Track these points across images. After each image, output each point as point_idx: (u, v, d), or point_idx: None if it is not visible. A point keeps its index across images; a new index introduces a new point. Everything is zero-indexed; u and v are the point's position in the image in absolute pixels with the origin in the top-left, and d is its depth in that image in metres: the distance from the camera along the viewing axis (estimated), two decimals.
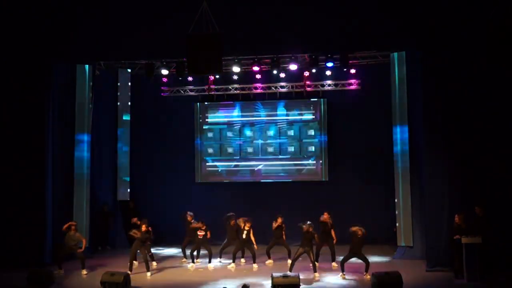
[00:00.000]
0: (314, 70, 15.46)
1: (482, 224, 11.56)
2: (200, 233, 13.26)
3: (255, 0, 13.33)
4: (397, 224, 14.42)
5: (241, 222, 13.42)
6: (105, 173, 16.47)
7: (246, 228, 13.28)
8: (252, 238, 13.40)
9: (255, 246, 13.33)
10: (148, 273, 12.47)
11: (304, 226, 12.10)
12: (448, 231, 11.96)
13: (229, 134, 17.60)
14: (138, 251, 12.60)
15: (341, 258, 12.23)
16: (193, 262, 13.45)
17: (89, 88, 15.28)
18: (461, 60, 12.45)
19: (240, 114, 17.58)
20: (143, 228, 12.61)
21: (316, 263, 12.38)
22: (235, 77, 16.26)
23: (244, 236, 13.30)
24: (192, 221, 13.80)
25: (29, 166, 13.61)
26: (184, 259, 13.99)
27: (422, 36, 12.74)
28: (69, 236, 12.60)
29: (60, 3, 13.85)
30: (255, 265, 13.19)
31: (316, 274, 11.97)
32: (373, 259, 12.88)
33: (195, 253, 13.47)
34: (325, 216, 13.06)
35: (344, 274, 11.93)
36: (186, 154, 17.69)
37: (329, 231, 13.09)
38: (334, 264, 12.99)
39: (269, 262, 13.69)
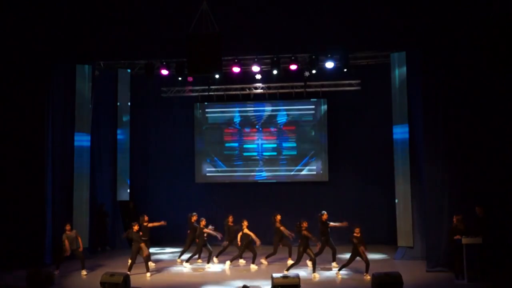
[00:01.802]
0: (314, 70, 15.45)
1: (482, 224, 11.55)
2: (205, 235, 13.31)
3: (255, 0, 13.33)
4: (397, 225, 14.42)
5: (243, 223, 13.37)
6: (105, 173, 16.46)
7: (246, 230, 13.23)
8: (252, 235, 13.20)
9: (257, 241, 13.11)
10: (148, 274, 12.46)
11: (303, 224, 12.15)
12: (448, 231, 11.95)
13: (229, 134, 17.59)
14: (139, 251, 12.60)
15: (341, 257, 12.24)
16: (187, 261, 13.51)
17: (89, 88, 15.27)
18: (461, 60, 12.45)
19: (240, 114, 17.57)
20: (135, 228, 12.62)
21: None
22: (235, 77, 16.24)
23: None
24: (195, 221, 13.80)
25: (29, 166, 13.63)
26: (188, 261, 13.86)
27: (422, 36, 12.74)
28: (66, 236, 12.57)
29: (60, 3, 13.85)
30: (254, 266, 13.18)
31: (316, 275, 11.96)
32: (373, 259, 12.87)
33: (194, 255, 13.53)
34: (324, 216, 13.02)
35: (339, 272, 11.97)
36: (186, 154, 17.68)
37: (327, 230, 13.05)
38: (334, 264, 12.97)
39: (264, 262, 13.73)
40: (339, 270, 12.15)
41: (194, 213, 13.95)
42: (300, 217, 12.56)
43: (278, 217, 13.43)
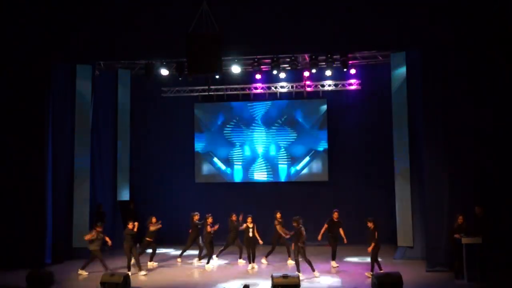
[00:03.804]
0: (314, 70, 15.47)
1: (482, 224, 11.55)
2: (212, 232, 13.34)
3: (255, 0, 13.34)
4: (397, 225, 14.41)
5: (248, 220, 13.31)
6: (105, 174, 16.44)
7: (250, 225, 13.17)
8: (257, 235, 13.24)
9: (260, 241, 13.20)
10: (142, 272, 12.43)
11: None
12: (448, 231, 11.96)
13: (229, 134, 17.58)
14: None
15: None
16: (199, 260, 13.63)
17: (89, 88, 15.25)
18: (461, 60, 12.45)
19: (240, 114, 17.56)
20: (129, 226, 12.70)
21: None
22: (235, 77, 16.26)
23: (250, 234, 13.15)
24: (197, 221, 13.84)
25: (29, 166, 13.63)
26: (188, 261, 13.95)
27: (422, 36, 12.74)
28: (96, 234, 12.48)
29: (60, 3, 13.86)
30: (254, 265, 13.16)
31: (315, 273, 11.93)
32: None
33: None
34: (335, 215, 12.93)
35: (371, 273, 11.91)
36: (186, 154, 17.69)
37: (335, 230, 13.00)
38: (333, 263, 12.92)
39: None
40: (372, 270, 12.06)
41: (196, 213, 13.96)
42: (300, 217, 12.53)
43: (278, 215, 13.45)
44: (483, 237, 11.12)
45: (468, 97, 12.43)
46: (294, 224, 12.13)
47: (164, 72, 15.53)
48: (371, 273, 11.84)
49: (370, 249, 11.93)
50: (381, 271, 11.26)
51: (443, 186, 12.42)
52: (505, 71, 12.30)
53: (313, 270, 12.03)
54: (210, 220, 13.43)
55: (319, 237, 12.83)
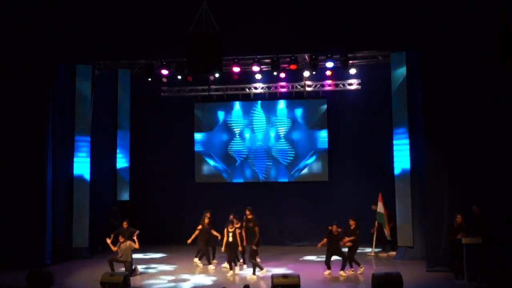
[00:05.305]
0: (314, 71, 15.46)
1: (482, 224, 11.55)
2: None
3: (255, 0, 13.34)
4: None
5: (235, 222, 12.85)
6: (105, 173, 16.42)
7: (231, 230, 12.54)
8: (238, 240, 12.50)
9: (239, 247, 12.55)
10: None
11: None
12: (448, 231, 11.96)
13: (229, 134, 17.58)
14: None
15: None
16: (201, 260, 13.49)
17: (89, 88, 15.25)
18: (461, 60, 12.46)
19: (240, 114, 17.54)
20: (124, 225, 12.83)
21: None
22: (235, 77, 16.25)
23: (230, 238, 12.47)
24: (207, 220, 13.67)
25: (29, 166, 13.63)
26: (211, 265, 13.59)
27: (422, 36, 12.74)
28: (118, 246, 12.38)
29: (60, 4, 13.86)
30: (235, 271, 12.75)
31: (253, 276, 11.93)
32: (373, 259, 12.86)
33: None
34: (334, 228, 12.74)
35: (329, 272, 12.12)
36: (186, 154, 17.67)
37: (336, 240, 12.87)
38: (341, 273, 12.32)
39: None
40: (328, 268, 12.24)
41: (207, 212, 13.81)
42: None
43: (247, 211, 13.44)
44: (483, 237, 11.12)
45: (468, 97, 12.43)
46: (250, 224, 12.15)
47: (164, 72, 15.52)
48: (345, 272, 11.90)
49: (346, 242, 12.05)
50: (380, 271, 11.21)
51: (443, 186, 12.43)
52: (505, 71, 12.30)
53: (254, 274, 11.98)
54: (236, 222, 12.87)
55: (319, 245, 12.66)
